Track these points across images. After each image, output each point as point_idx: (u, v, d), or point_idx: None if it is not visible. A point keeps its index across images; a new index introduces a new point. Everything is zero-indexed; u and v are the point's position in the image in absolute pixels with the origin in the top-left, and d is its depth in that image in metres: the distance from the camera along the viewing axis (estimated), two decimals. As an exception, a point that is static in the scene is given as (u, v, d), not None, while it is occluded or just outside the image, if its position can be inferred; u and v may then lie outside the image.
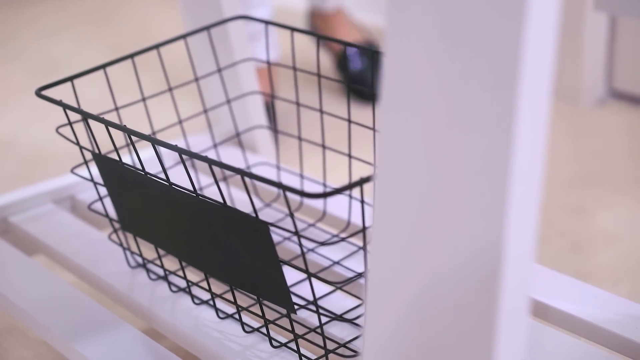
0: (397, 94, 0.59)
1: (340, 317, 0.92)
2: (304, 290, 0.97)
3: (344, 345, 0.89)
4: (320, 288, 0.97)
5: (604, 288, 0.97)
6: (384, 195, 0.61)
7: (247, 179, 1.19)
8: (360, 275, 0.97)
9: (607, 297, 0.94)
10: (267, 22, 1.09)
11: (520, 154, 0.55)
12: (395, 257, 0.62)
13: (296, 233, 0.79)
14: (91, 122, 0.93)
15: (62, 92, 1.09)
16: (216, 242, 0.86)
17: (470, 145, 0.56)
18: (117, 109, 1.06)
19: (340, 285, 0.93)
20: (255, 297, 0.90)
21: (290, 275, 0.99)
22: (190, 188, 0.85)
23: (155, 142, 0.84)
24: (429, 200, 0.59)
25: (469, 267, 0.58)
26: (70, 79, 0.98)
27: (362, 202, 0.80)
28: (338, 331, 0.91)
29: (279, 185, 0.74)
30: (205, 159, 0.80)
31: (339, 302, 0.95)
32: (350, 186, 0.73)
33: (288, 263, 0.82)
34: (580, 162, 1.63)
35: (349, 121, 1.02)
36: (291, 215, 0.78)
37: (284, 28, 1.07)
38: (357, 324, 0.92)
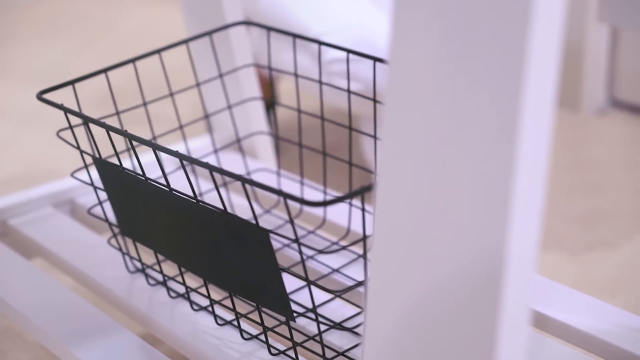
0: (400, 102, 0.59)
1: (339, 326, 0.92)
2: (303, 297, 0.97)
3: (343, 354, 0.89)
4: (320, 296, 0.97)
5: (602, 298, 0.97)
6: (385, 203, 0.61)
7: (247, 185, 1.19)
8: (360, 283, 0.96)
9: (605, 307, 0.94)
10: (269, 29, 1.09)
11: (523, 163, 0.55)
12: (396, 265, 0.62)
13: (296, 240, 0.79)
14: (92, 126, 0.93)
15: (64, 96, 1.09)
16: (216, 248, 0.86)
17: (473, 153, 0.56)
18: (118, 113, 1.06)
19: (339, 293, 0.92)
20: (254, 304, 0.90)
21: (290, 282, 0.98)
22: (191, 194, 0.85)
23: (155, 147, 0.83)
24: (431, 209, 0.59)
25: (471, 275, 0.57)
26: (72, 82, 0.98)
27: (363, 210, 0.80)
28: (337, 339, 0.91)
29: (279, 192, 0.74)
30: (205, 165, 0.80)
31: (338, 310, 0.95)
32: (351, 195, 0.73)
33: (287, 270, 0.82)
34: (580, 171, 1.63)
35: (350, 128, 1.02)
36: (291, 222, 0.77)
37: (286, 35, 1.07)
38: (356, 333, 0.92)
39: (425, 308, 0.60)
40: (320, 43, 1.03)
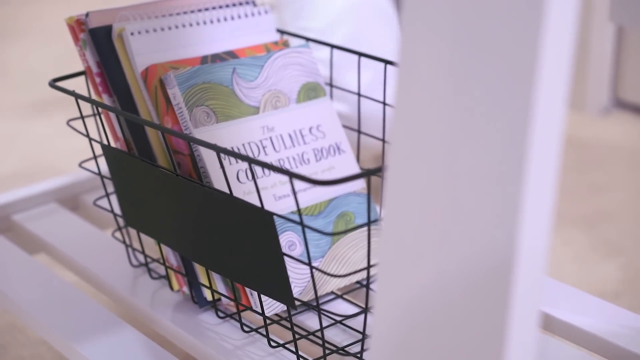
0: (411, 99, 0.59)
1: (341, 322, 0.92)
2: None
3: (343, 349, 0.89)
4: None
5: (606, 299, 0.97)
6: (395, 199, 0.61)
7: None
8: (362, 285, 0.96)
9: (609, 308, 0.93)
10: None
11: (534, 162, 0.55)
12: (404, 260, 0.61)
13: (301, 223, 0.79)
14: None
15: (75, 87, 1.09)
16: (220, 234, 0.86)
17: (484, 150, 0.56)
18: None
19: (343, 285, 0.92)
20: (256, 293, 0.90)
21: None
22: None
23: (163, 131, 0.84)
24: (441, 207, 0.59)
25: (480, 274, 0.57)
26: (85, 72, 0.98)
27: (369, 194, 0.79)
28: (338, 334, 0.91)
29: (286, 172, 0.74)
30: (213, 147, 0.80)
31: (339, 304, 0.95)
32: (359, 175, 0.73)
33: (290, 256, 0.82)
34: (584, 172, 1.63)
35: (359, 132, 1.01)
36: (297, 204, 0.77)
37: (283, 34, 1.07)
38: (357, 330, 0.91)
39: (432, 306, 0.60)
40: (310, 40, 1.03)
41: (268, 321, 0.92)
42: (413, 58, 0.58)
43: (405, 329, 0.62)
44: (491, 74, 0.55)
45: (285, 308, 0.90)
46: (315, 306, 0.84)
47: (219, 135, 0.90)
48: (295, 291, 0.90)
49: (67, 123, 0.98)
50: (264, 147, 0.92)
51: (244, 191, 0.90)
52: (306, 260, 0.90)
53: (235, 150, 0.91)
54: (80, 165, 1.03)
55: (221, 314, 0.94)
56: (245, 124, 0.92)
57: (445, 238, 0.59)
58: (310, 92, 0.97)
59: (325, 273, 0.79)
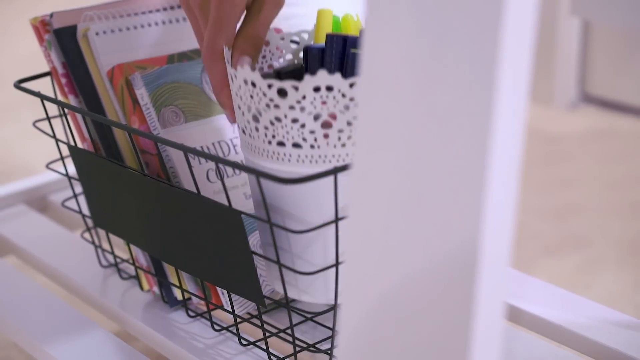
0: (373, 94, 0.59)
1: (311, 319, 0.92)
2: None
3: (314, 345, 0.89)
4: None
5: (576, 292, 0.97)
6: (359, 194, 0.61)
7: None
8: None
9: (578, 301, 0.94)
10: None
11: (497, 156, 0.55)
12: (370, 257, 0.62)
13: (269, 221, 0.79)
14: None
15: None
16: (188, 233, 0.86)
17: (447, 146, 0.57)
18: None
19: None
20: (226, 291, 0.90)
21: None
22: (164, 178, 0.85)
23: (130, 131, 0.84)
24: (405, 202, 0.59)
25: (445, 269, 0.58)
26: (50, 73, 0.98)
27: (336, 192, 0.79)
28: (308, 330, 0.91)
29: (253, 171, 0.74)
30: (180, 147, 0.80)
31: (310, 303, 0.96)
32: (325, 173, 0.74)
33: (259, 254, 0.82)
34: (552, 166, 1.64)
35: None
36: (264, 203, 0.77)
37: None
38: (327, 326, 0.92)
39: (399, 300, 0.60)
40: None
41: (238, 319, 0.92)
42: (376, 53, 0.59)
43: (372, 324, 0.62)
44: (453, 68, 0.55)
45: (256, 306, 0.90)
46: (285, 304, 0.84)
47: (188, 134, 0.90)
48: (268, 289, 0.90)
49: (34, 124, 0.97)
50: (234, 146, 0.92)
51: (214, 190, 0.90)
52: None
53: (205, 149, 0.91)
54: (47, 166, 1.02)
55: (192, 313, 0.94)
56: (215, 122, 0.92)
57: (410, 232, 0.59)
58: None
59: (293, 270, 0.79)
